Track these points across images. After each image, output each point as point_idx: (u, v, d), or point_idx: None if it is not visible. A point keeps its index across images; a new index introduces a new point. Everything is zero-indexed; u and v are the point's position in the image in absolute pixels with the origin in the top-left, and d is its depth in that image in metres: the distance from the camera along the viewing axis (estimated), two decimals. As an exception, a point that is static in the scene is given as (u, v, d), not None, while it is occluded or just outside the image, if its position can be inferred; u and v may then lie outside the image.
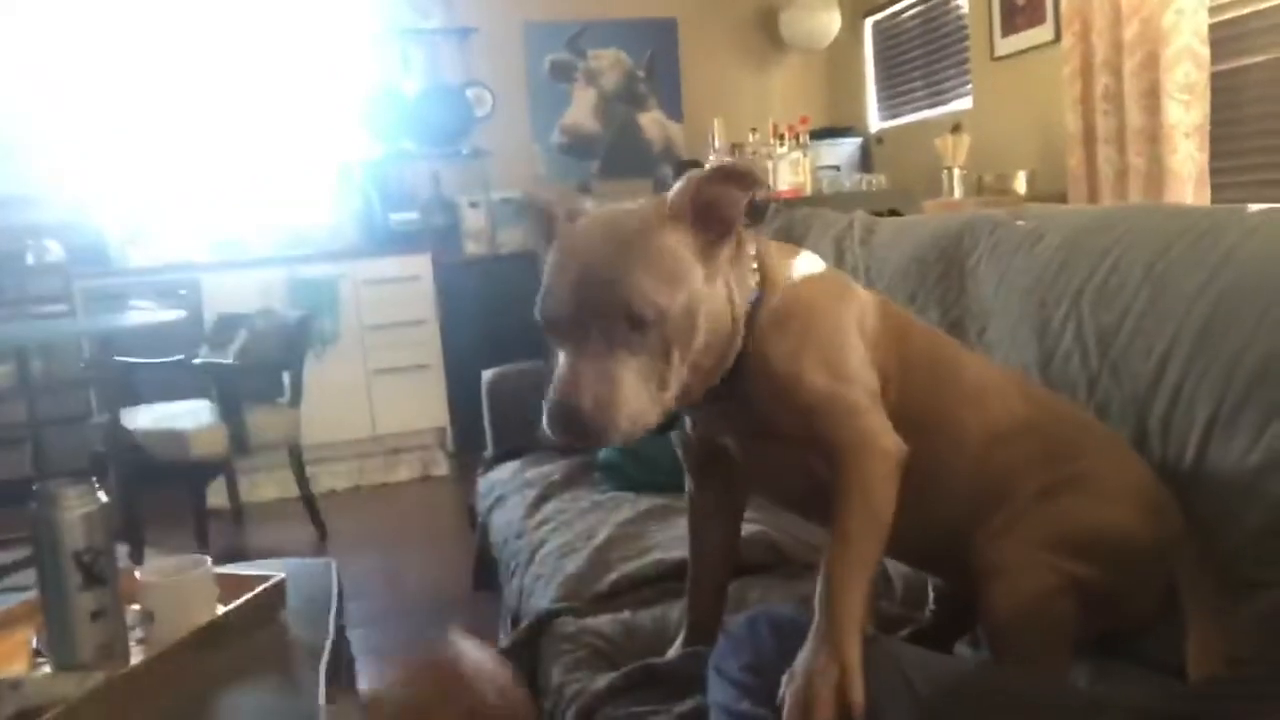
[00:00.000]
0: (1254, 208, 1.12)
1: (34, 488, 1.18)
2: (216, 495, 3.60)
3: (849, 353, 0.99)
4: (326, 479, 3.98)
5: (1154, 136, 3.03)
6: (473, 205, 4.67)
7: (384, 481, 4.20)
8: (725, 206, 0.91)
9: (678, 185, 0.91)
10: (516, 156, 4.89)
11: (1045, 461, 1.04)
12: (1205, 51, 2.90)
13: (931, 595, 1.23)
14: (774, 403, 0.97)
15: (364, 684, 1.69)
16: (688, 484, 1.16)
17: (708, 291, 0.90)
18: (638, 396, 0.85)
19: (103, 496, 1.21)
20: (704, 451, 1.11)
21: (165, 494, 3.22)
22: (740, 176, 0.92)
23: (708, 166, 0.93)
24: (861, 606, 0.90)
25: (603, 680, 1.14)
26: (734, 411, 1.00)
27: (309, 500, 3.42)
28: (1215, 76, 2.92)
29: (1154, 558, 1.03)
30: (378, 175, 4.66)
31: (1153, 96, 3.01)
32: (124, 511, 3.01)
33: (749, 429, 1.01)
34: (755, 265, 0.97)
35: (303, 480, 3.42)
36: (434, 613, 2.63)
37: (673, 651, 1.16)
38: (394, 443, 4.36)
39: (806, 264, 1.04)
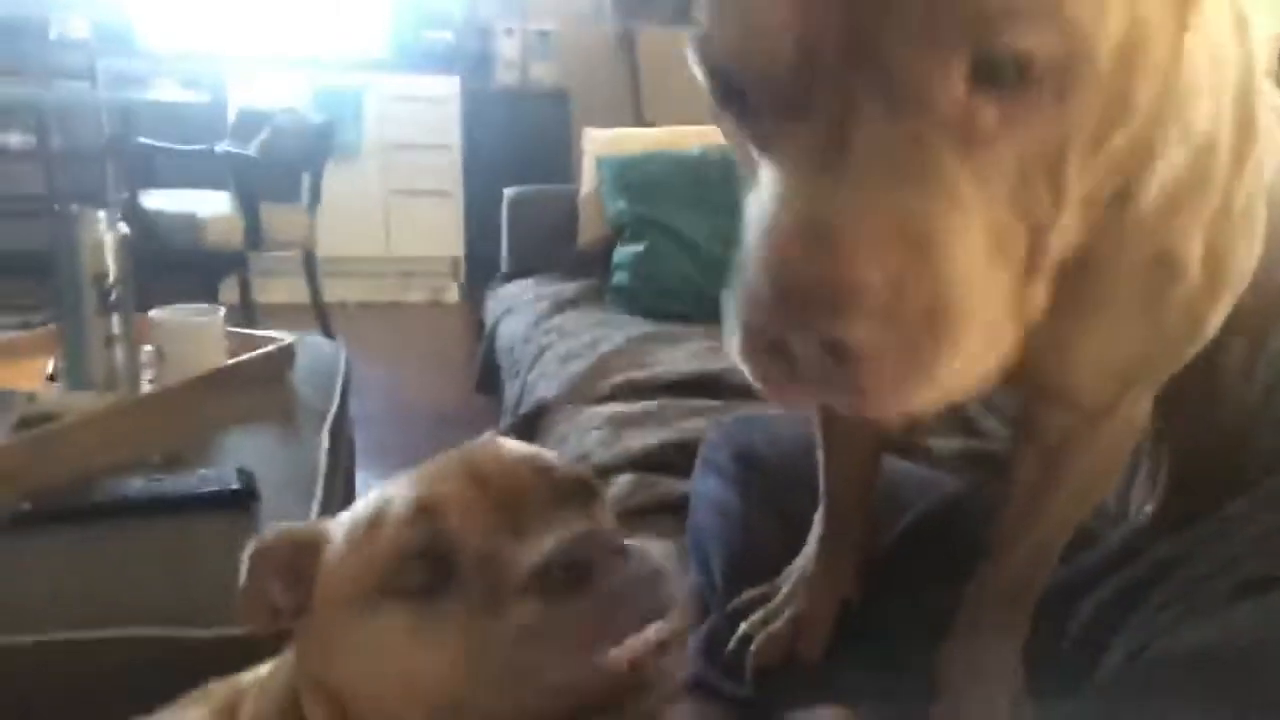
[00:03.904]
0: None
1: (55, 208, 1.18)
2: (228, 295, 3.62)
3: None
4: (339, 290, 3.98)
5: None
6: (508, 33, 4.51)
7: (395, 300, 4.23)
8: None
9: None
10: (561, -13, 4.70)
11: None
12: None
13: None
14: None
15: (360, 478, 1.74)
16: None
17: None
18: (988, 279, 0.35)
19: (124, 228, 1.21)
20: None
21: (176, 286, 3.24)
22: None
23: None
24: None
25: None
26: None
27: (319, 306, 3.43)
28: None
29: None
30: (414, -13, 4.50)
31: None
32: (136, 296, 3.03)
33: None
34: None
35: (314, 287, 3.43)
36: (433, 417, 2.70)
37: None
38: (407, 265, 4.36)
39: None
